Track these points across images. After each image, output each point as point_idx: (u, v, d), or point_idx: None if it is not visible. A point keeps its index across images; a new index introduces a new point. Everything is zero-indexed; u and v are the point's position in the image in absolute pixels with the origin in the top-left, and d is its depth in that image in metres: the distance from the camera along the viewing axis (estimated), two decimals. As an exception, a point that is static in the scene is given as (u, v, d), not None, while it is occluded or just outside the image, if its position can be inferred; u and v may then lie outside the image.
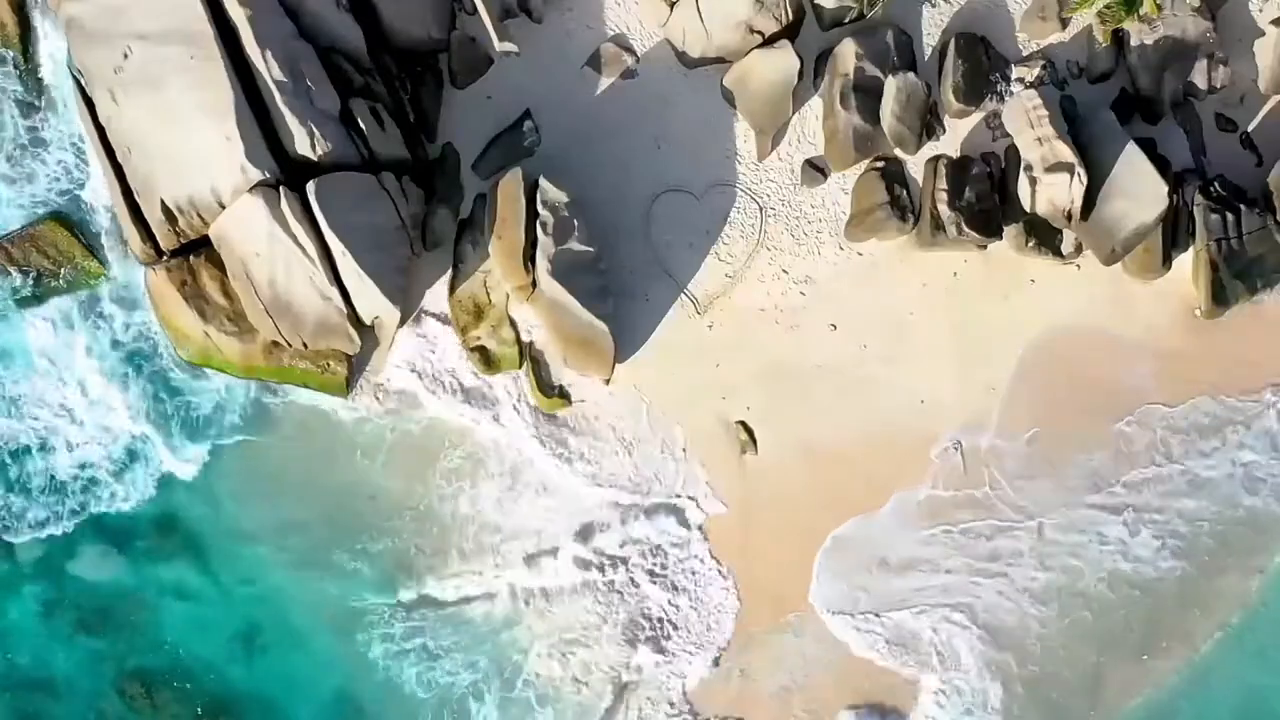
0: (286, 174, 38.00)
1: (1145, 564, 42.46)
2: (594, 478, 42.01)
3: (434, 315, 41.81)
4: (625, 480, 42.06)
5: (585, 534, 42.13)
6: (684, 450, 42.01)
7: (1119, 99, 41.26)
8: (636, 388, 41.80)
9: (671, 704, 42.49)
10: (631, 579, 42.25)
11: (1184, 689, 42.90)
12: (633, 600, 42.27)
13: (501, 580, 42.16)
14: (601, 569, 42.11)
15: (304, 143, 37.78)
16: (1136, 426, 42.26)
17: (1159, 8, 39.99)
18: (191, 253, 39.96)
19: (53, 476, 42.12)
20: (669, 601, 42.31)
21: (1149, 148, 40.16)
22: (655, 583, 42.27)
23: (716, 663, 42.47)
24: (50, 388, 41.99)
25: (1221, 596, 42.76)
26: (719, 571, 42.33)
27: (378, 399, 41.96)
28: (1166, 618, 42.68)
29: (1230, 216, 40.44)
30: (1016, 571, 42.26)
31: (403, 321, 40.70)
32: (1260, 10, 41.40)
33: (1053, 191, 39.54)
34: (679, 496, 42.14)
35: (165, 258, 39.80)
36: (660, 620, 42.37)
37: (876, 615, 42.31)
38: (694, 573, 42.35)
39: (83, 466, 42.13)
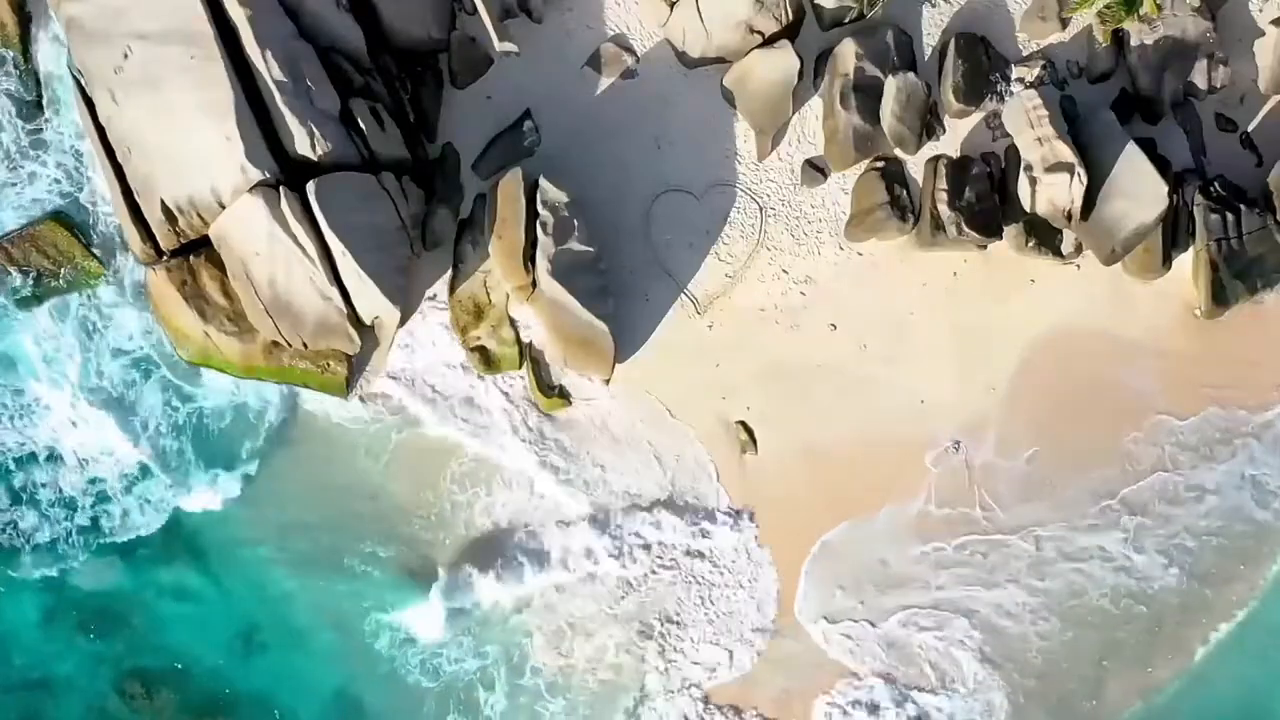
0: (286, 174, 37.98)
1: (1150, 579, 42.39)
2: (603, 478, 42.18)
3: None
4: (634, 477, 42.20)
5: (599, 527, 42.08)
6: (709, 459, 42.12)
7: (1119, 99, 41.26)
8: (649, 392, 41.81)
9: (674, 694, 42.50)
10: (649, 570, 42.19)
11: (1186, 691, 42.87)
12: (646, 592, 42.28)
13: (510, 575, 42.08)
14: (618, 559, 42.01)
15: (304, 143, 37.77)
16: (1143, 441, 42.20)
17: (1159, 8, 39.99)
18: (191, 253, 39.90)
19: (61, 490, 41.98)
20: (678, 595, 42.38)
21: (1149, 148, 40.16)
22: (667, 575, 42.29)
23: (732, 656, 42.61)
24: (49, 392, 41.84)
25: (1226, 605, 42.76)
26: (723, 569, 42.43)
27: (381, 403, 42.06)
28: (1171, 629, 42.67)
29: (1230, 216, 40.45)
30: (1016, 585, 42.17)
31: (403, 321, 40.69)
32: (1260, 10, 41.41)
33: (1053, 191, 39.52)
34: (695, 500, 42.29)
35: (165, 258, 39.74)
36: (672, 613, 42.44)
37: (872, 625, 42.25)
38: (702, 571, 42.39)
39: (92, 481, 42.00)
